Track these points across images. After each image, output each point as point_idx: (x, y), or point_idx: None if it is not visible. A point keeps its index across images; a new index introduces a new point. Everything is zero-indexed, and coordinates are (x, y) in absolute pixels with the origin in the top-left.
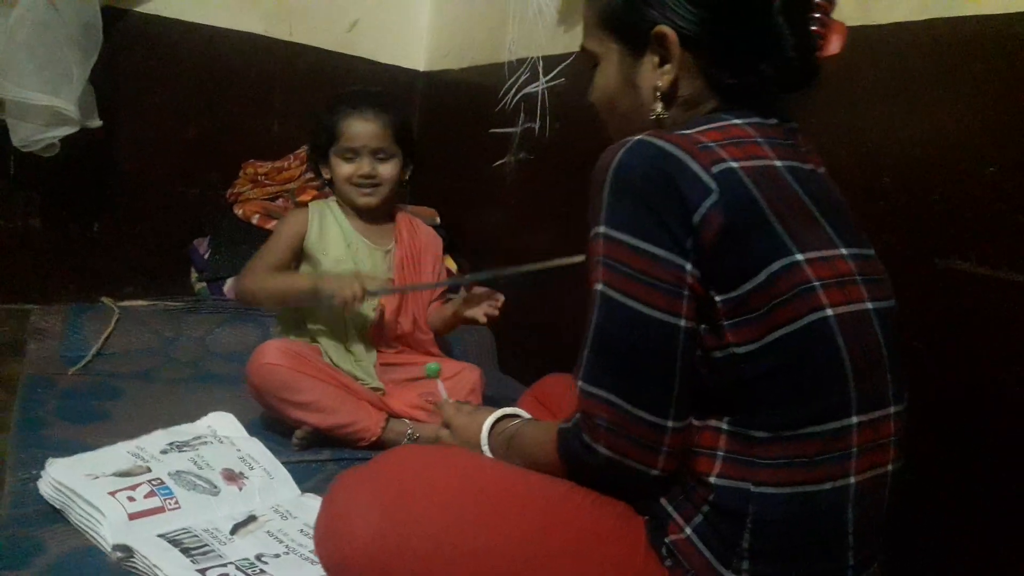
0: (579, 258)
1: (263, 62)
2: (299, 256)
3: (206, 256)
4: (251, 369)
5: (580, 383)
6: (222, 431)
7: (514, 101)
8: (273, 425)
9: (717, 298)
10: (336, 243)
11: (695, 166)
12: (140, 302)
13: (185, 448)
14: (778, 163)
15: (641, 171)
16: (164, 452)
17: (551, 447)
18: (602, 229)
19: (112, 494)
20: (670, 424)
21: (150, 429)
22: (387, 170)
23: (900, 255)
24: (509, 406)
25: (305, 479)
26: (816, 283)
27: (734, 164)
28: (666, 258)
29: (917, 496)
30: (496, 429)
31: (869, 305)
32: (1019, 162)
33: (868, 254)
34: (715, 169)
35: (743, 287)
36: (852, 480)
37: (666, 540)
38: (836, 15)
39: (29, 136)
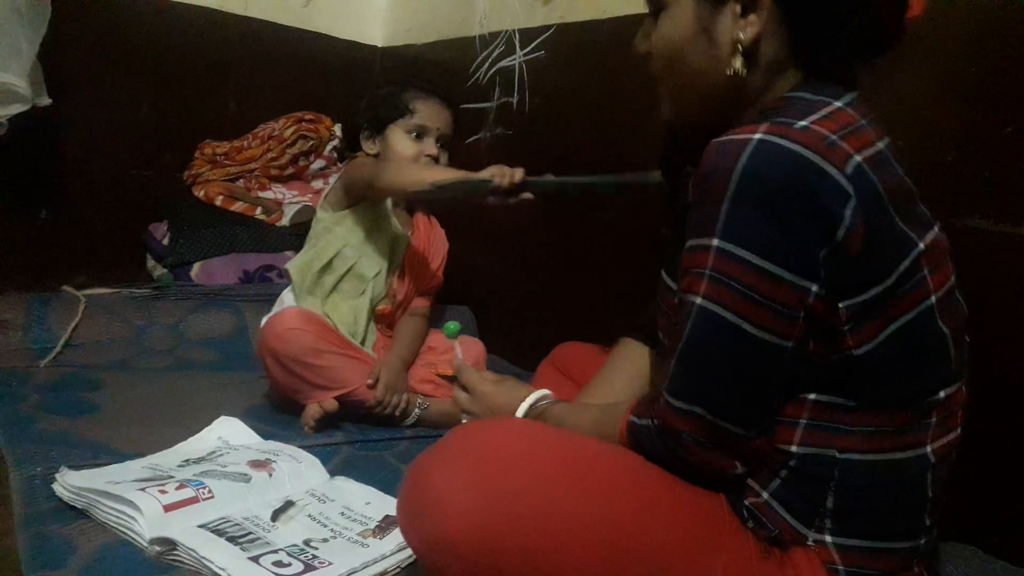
0: (655, 176)
1: (217, 38)
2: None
3: (164, 241)
4: (270, 335)
5: (666, 396)
6: (234, 440)
7: (488, 75)
8: (280, 406)
9: (841, 305)
10: (380, 207)
11: (832, 170)
12: (103, 290)
13: (203, 461)
14: (880, 145)
15: (776, 182)
16: (181, 466)
17: (611, 434)
18: (716, 242)
19: (142, 490)
20: (754, 432)
21: (143, 418)
22: (444, 159)
23: None
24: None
25: (324, 463)
26: (926, 271)
27: (859, 158)
28: (792, 281)
29: None
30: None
31: (953, 279)
32: None
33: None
34: (849, 169)
35: (872, 291)
36: (928, 448)
37: (745, 503)
38: None
39: None
